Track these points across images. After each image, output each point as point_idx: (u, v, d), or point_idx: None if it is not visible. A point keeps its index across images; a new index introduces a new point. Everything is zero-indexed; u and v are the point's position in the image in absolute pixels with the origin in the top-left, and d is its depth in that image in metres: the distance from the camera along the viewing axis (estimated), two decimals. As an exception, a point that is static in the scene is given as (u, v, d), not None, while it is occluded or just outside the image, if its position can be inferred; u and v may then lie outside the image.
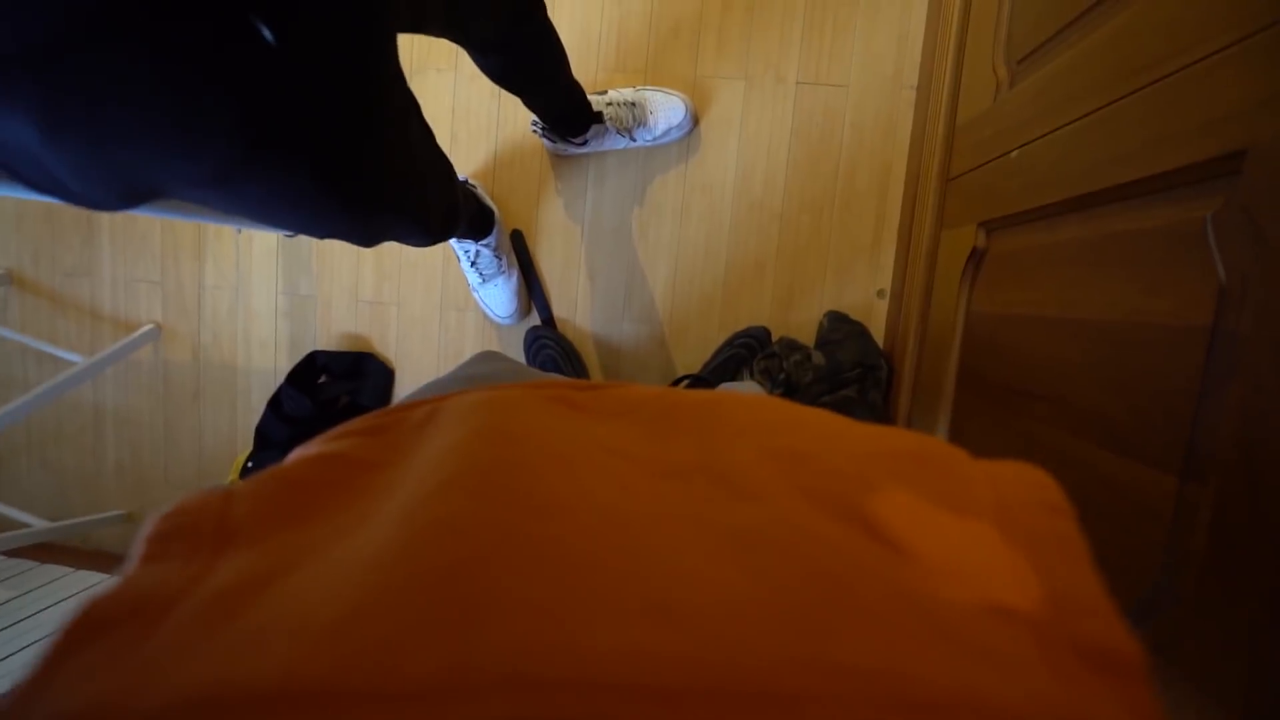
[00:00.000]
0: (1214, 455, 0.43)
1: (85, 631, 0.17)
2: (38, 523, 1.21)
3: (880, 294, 1.11)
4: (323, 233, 0.63)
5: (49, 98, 0.35)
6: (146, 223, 1.25)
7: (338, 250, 1.23)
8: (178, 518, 0.22)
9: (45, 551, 1.26)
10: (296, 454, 0.28)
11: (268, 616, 0.17)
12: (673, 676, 0.14)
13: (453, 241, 1.12)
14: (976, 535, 0.21)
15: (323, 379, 1.22)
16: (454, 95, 1.16)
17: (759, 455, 0.26)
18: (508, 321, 1.19)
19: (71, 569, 1.21)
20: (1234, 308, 0.43)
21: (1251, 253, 0.42)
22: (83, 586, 1.16)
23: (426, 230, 0.74)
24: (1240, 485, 0.41)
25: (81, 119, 0.37)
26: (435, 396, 0.33)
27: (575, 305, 1.19)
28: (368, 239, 0.66)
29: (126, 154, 0.41)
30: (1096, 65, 0.60)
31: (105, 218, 1.26)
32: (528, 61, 0.83)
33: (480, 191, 1.13)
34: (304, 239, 1.23)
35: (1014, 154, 0.74)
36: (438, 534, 0.19)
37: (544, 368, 1.13)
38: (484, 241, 1.10)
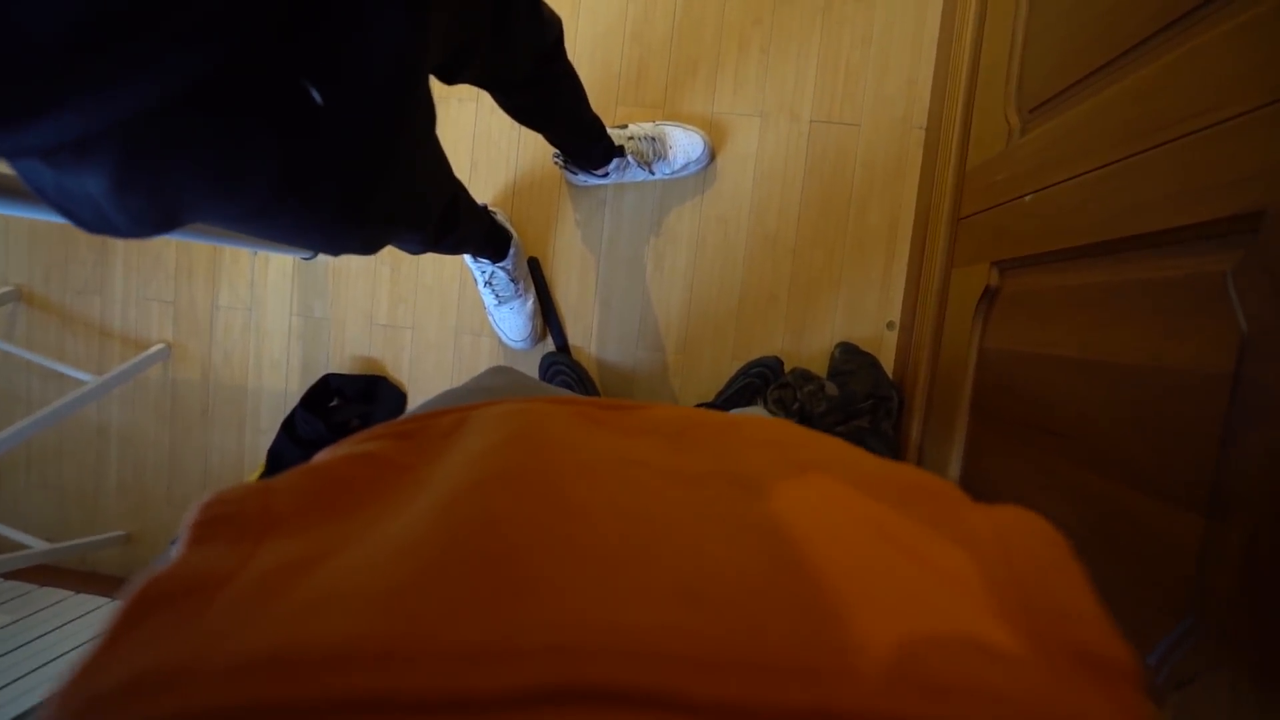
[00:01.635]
0: (1241, 496, 0.45)
1: (144, 606, 0.18)
2: (36, 544, 1.19)
3: (890, 326, 1.14)
4: (336, 250, 0.65)
5: (125, 161, 0.37)
6: (161, 243, 1.25)
7: (353, 273, 1.24)
8: (220, 506, 0.23)
9: (43, 573, 1.23)
10: (326, 454, 0.29)
11: (319, 589, 0.18)
12: (705, 649, 0.16)
13: (469, 262, 1.14)
14: (980, 553, 0.22)
15: (335, 402, 1.22)
16: (475, 124, 1.19)
17: (778, 464, 0.28)
18: (521, 346, 1.20)
19: (71, 592, 1.19)
20: (1257, 358, 0.45)
21: (1273, 307, 0.44)
22: (83, 611, 1.14)
23: (424, 237, 0.77)
24: (1269, 526, 0.43)
25: (149, 174, 0.40)
26: (461, 406, 0.35)
27: (590, 333, 1.20)
28: (372, 250, 0.68)
29: (178, 198, 0.43)
30: (1113, 119, 0.63)
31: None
32: (550, 99, 0.86)
33: (500, 217, 1.15)
34: (320, 262, 1.23)
35: (1028, 198, 0.77)
36: (477, 525, 0.20)
37: (559, 393, 1.14)
38: (501, 264, 1.11)
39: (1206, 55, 0.53)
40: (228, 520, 0.22)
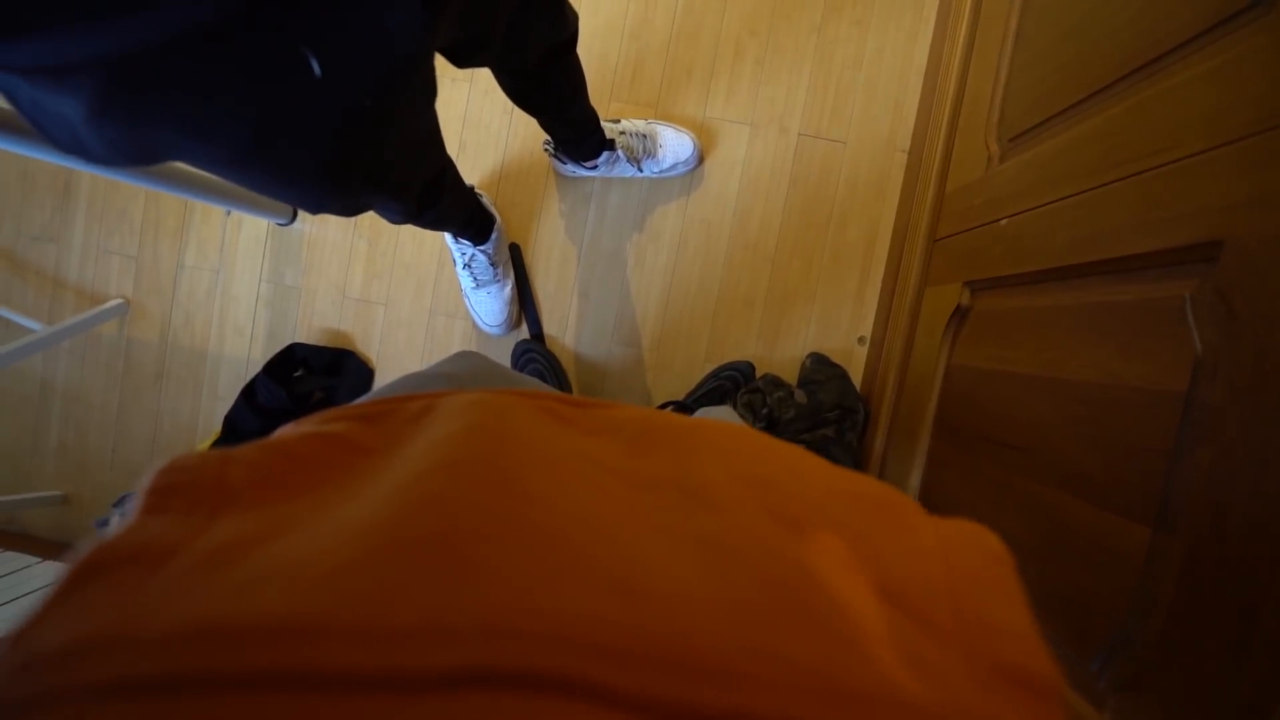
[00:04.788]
0: (1185, 510, 0.48)
1: (88, 572, 0.18)
2: (-38, 497, 1.12)
3: (861, 341, 1.16)
4: (314, 209, 0.65)
5: (104, 92, 0.37)
6: (128, 194, 1.21)
7: (329, 244, 1.21)
8: (175, 474, 0.23)
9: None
10: (289, 430, 0.29)
11: (265, 566, 0.18)
12: (632, 643, 0.16)
13: (450, 243, 1.13)
14: (921, 564, 0.23)
15: (300, 372, 1.19)
16: (468, 105, 1.18)
17: (729, 476, 0.28)
18: (496, 331, 1.19)
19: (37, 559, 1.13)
20: (1208, 379, 0.48)
21: (1226, 331, 0.47)
22: (8, 570, 1.08)
23: (406, 208, 0.76)
24: (1209, 539, 0.45)
25: (127, 109, 0.39)
26: (430, 392, 0.35)
27: (566, 324, 1.20)
28: (351, 213, 0.68)
29: (155, 136, 0.43)
30: (1086, 151, 0.66)
31: (85, 185, 1.21)
32: (553, 89, 0.87)
33: (485, 200, 1.14)
34: (296, 230, 1.21)
35: (1003, 222, 0.80)
36: (426, 507, 0.21)
37: (530, 381, 1.13)
38: (482, 247, 1.10)
39: (1173, 98, 0.56)
40: (182, 490, 0.22)
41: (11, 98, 0.41)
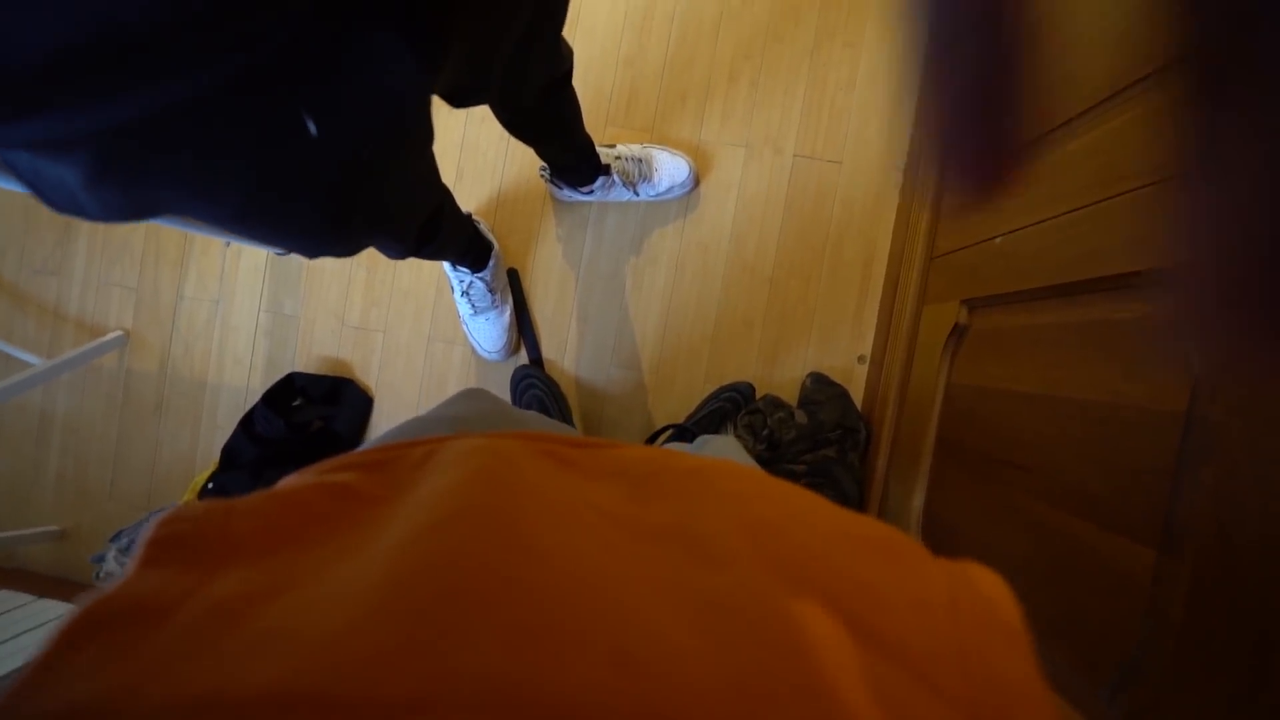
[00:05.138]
0: (1191, 531, 0.47)
1: (86, 628, 0.17)
2: (-40, 533, 1.12)
3: (861, 360, 1.16)
4: (313, 255, 0.65)
5: (104, 160, 0.37)
6: (129, 227, 1.22)
7: (328, 273, 1.22)
8: (177, 524, 0.22)
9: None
10: (293, 480, 0.29)
11: (267, 627, 0.18)
12: (629, 716, 0.16)
13: (448, 270, 1.13)
14: (929, 617, 0.23)
15: (298, 401, 1.19)
16: (464, 132, 1.19)
17: (734, 524, 0.28)
18: (495, 357, 1.19)
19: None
20: (1207, 396, 0.47)
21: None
22: (3, 609, 1.07)
23: (405, 246, 0.76)
24: (1216, 560, 0.44)
25: (127, 174, 0.39)
26: (433, 438, 0.34)
27: (564, 348, 1.20)
28: (350, 254, 0.68)
29: (153, 195, 0.43)
30: (1081, 168, 0.66)
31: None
32: (549, 121, 0.88)
33: (483, 227, 1.15)
34: (295, 259, 1.21)
35: (998, 240, 0.80)
36: (429, 566, 0.20)
37: (529, 407, 1.13)
38: (480, 274, 1.11)
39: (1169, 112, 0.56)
40: (183, 542, 0.22)
41: (10, 164, 0.41)
